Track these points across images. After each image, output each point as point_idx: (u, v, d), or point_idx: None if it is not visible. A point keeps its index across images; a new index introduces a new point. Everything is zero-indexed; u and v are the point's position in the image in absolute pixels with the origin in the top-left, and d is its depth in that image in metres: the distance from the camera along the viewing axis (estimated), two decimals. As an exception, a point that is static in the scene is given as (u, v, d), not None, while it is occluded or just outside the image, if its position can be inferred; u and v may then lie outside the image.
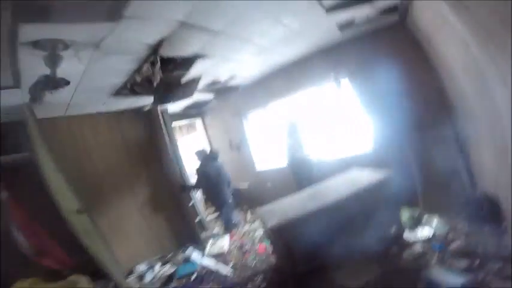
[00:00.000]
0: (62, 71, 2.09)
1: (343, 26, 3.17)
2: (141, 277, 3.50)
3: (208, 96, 4.91)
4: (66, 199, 2.98)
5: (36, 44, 1.75)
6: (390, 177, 2.62)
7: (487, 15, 1.39)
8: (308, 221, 2.26)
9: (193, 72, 3.23)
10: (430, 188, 3.05)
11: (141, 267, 3.69)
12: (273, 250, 3.03)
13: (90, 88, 2.89)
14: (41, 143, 2.78)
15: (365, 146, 3.92)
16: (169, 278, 3.36)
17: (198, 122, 6.30)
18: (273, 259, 3.13)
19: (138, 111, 4.38)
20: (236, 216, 4.63)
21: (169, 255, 4.00)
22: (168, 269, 3.51)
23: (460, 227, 2.52)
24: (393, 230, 2.68)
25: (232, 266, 3.31)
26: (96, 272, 3.03)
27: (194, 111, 5.88)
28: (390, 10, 2.94)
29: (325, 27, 3.12)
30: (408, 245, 2.49)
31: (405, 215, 2.84)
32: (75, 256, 3.17)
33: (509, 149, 1.78)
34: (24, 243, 2.91)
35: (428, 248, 2.37)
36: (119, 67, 2.55)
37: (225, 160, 5.97)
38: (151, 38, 2.13)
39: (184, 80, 3.30)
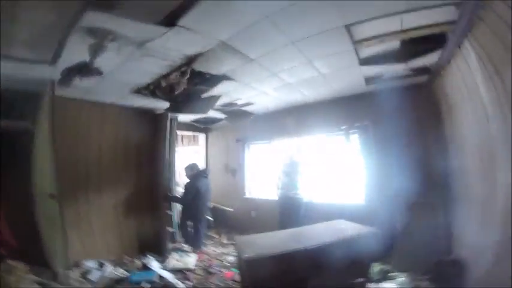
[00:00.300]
0: (101, 61, 2.22)
1: (370, 79, 3.35)
2: (85, 273, 3.24)
3: (219, 115, 5.05)
4: (45, 180, 2.93)
5: (89, 31, 1.88)
6: (373, 234, 2.66)
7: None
8: (284, 261, 2.22)
9: (215, 90, 3.40)
10: (407, 248, 3.14)
11: (90, 264, 3.44)
12: (241, 281, 2.94)
13: (115, 80, 3.00)
14: (49, 119, 2.79)
15: (357, 199, 4.04)
16: (117, 281, 3.13)
17: (201, 136, 6.38)
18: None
19: (148, 112, 4.46)
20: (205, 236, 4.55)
21: (128, 259, 3.80)
22: (120, 273, 3.28)
23: (424, 286, 2.59)
24: (359, 280, 2.68)
25: (193, 285, 3.18)
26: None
27: (201, 125, 5.99)
28: (422, 70, 3.08)
29: (352, 77, 3.31)
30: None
31: (376, 268, 2.93)
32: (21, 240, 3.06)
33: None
34: None
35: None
36: (151, 69, 2.69)
37: (218, 181, 6.02)
38: (191, 50, 2.29)
39: (204, 95, 3.45)
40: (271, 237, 2.74)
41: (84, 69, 1.97)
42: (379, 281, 2.84)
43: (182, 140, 7.15)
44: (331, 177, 4.45)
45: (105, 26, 1.85)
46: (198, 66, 2.61)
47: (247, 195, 5.46)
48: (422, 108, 3.47)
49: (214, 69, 2.76)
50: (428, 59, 2.80)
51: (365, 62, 2.81)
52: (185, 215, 4.25)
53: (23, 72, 2.51)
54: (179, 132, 5.95)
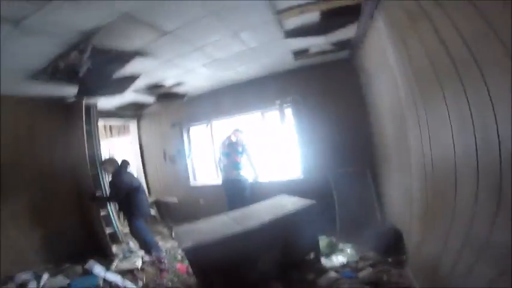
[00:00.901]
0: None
1: (298, 54, 3.41)
2: (22, 286, 2.90)
3: (148, 98, 4.59)
4: None
5: None
6: (313, 206, 2.79)
7: (425, 66, 1.55)
8: (226, 244, 2.20)
9: (130, 69, 3.00)
10: (347, 219, 3.40)
11: (24, 276, 3.05)
12: (192, 271, 2.85)
13: (5, 68, 2.40)
14: None
15: (296, 173, 4.20)
16: None
17: (132, 124, 5.80)
18: (192, 280, 2.92)
19: (58, 102, 3.79)
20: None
21: (65, 266, 3.41)
22: (60, 281, 2.98)
23: (369, 257, 2.77)
24: (312, 256, 2.83)
25: (144, 284, 3.00)
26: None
27: (130, 112, 5.42)
28: (343, 45, 3.24)
29: (281, 52, 3.32)
30: (324, 271, 2.62)
31: (323, 242, 3.04)
32: None
33: (414, 189, 2.09)
34: None
35: (341, 275, 2.54)
36: (41, 49, 2.22)
37: (157, 171, 5.65)
38: (85, 24, 1.92)
39: (117, 75, 3.02)
40: (212, 223, 2.68)
41: None
42: (329, 255, 2.92)
43: (111, 130, 6.44)
44: (271, 154, 4.51)
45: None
46: (99, 43, 2.22)
47: (192, 182, 5.21)
48: (346, 81, 3.72)
49: (121, 45, 2.39)
50: (348, 33, 2.91)
51: (289, 34, 2.80)
52: (126, 216, 3.72)
53: None
54: (106, 121, 5.31)
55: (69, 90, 3.40)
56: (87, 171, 3.76)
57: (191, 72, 3.57)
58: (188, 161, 5.19)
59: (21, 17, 1.65)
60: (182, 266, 3.26)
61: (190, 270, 3.07)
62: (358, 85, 3.62)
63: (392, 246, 2.62)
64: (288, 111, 4.16)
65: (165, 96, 4.57)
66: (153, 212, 5.16)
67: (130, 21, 2.02)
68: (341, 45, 3.27)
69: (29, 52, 2.23)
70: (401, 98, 2.09)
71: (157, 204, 5.48)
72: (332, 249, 3.00)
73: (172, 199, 5.32)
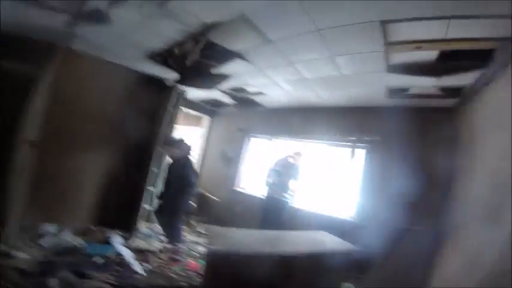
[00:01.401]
0: (118, 14, 2.09)
1: (394, 92, 3.12)
2: (38, 236, 3.08)
3: (228, 99, 4.92)
4: (30, 127, 2.85)
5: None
6: (352, 252, 2.55)
7: None
8: (252, 261, 2.10)
9: (226, 68, 3.26)
10: (385, 273, 3.06)
11: (48, 228, 3.26)
12: (204, 273, 2.82)
13: (132, 40, 2.90)
14: (55, 67, 2.70)
15: (347, 214, 3.90)
16: (70, 250, 2.94)
17: (206, 118, 6.26)
18: (198, 281, 2.88)
19: (157, 82, 4.33)
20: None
21: (93, 228, 3.68)
22: (77, 242, 3.12)
23: None
24: None
25: (152, 268, 3.01)
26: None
27: (209, 107, 5.87)
28: (452, 91, 2.81)
29: (374, 85, 3.09)
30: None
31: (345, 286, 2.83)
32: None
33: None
34: None
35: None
36: (167, 33, 2.59)
37: (212, 167, 5.92)
38: (210, 17, 2.19)
39: (213, 71, 3.31)
40: (246, 235, 2.62)
41: (95, 16, 1.84)
42: None
43: (187, 118, 7.04)
44: (324, 186, 4.30)
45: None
46: (214, 37, 2.50)
47: (236, 187, 5.32)
48: (441, 133, 3.24)
49: (229, 43, 2.66)
50: (464, 79, 2.53)
51: (393, 69, 2.58)
52: (171, 205, 3.46)
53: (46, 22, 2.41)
54: (186, 110, 5.82)
55: (170, 74, 3.88)
56: (152, 149, 4.13)
57: (275, 85, 3.71)
58: (240, 167, 5.34)
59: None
60: (193, 263, 3.25)
61: (199, 270, 3.07)
62: (455, 140, 3.08)
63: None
64: (360, 151, 3.93)
65: (243, 101, 4.83)
66: (193, 204, 5.39)
67: (244, 23, 2.22)
68: (451, 91, 2.85)
69: (159, 34, 2.63)
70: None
71: (201, 197, 5.69)
72: None
73: (215, 198, 5.49)
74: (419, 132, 3.31)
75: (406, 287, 2.77)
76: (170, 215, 3.45)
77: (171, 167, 3.55)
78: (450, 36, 1.92)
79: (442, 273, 2.65)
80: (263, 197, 4.18)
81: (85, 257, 2.83)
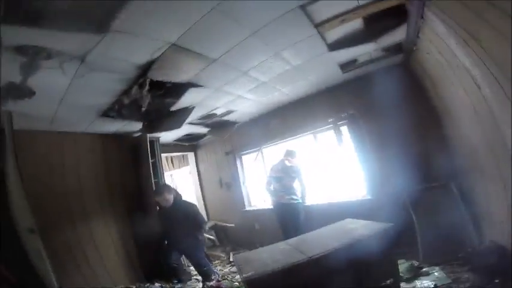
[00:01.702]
0: (45, 82, 2.05)
1: (345, 66, 3.24)
2: None
3: (202, 129, 4.86)
4: (23, 216, 2.73)
5: (19, 49, 1.72)
6: (387, 229, 2.39)
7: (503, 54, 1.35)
8: (289, 274, 1.98)
9: (186, 101, 3.22)
10: (432, 240, 2.85)
11: None
12: None
13: (75, 105, 2.82)
14: (12, 154, 2.61)
15: (360, 193, 3.80)
16: None
17: (190, 155, 6.17)
18: None
19: (126, 137, 4.28)
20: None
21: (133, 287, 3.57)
22: None
23: (465, 279, 2.26)
24: (389, 282, 2.43)
25: None
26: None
27: (187, 144, 5.81)
28: (394, 49, 2.98)
29: (327, 66, 3.18)
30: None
31: (403, 267, 2.67)
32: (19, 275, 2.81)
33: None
34: None
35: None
36: (106, 86, 2.52)
37: (214, 197, 5.79)
38: (140, 58, 2.13)
39: (174, 108, 3.26)
40: (272, 251, 2.48)
41: (14, 90, 1.77)
42: (411, 279, 2.56)
43: (172, 162, 6.96)
44: (327, 175, 4.20)
45: (33, 43, 1.68)
46: (155, 76, 2.43)
47: (247, 207, 5.20)
48: (405, 87, 3.28)
49: (174, 77, 2.58)
50: (397, 36, 2.69)
51: (333, 47, 2.68)
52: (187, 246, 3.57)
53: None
54: (167, 154, 5.76)
55: (135, 126, 3.82)
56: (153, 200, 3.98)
57: (239, 98, 3.66)
58: (243, 187, 5.22)
59: (85, 53, 1.88)
60: None
61: None
62: (420, 90, 3.23)
63: (498, 265, 2.08)
64: (344, 129, 3.86)
65: (217, 125, 4.77)
66: (211, 236, 5.23)
67: (179, 52, 2.17)
68: (392, 50, 3.01)
69: (97, 89, 2.55)
70: (486, 96, 1.73)
71: (216, 228, 5.55)
72: (414, 274, 2.62)
73: (230, 224, 5.37)
74: (384, 92, 3.29)
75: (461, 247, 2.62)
76: (194, 254, 3.56)
77: (167, 212, 3.53)
78: (362, 3, 2.05)
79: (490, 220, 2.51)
80: (272, 207, 4.05)
81: None
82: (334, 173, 4.12)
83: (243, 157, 5.32)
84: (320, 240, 2.47)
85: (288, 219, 3.71)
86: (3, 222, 2.89)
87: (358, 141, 3.68)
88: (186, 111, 3.43)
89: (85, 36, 1.71)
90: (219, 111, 4.09)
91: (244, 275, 1.99)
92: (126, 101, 2.83)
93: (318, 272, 2.05)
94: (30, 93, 1.88)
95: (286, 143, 4.56)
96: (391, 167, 3.30)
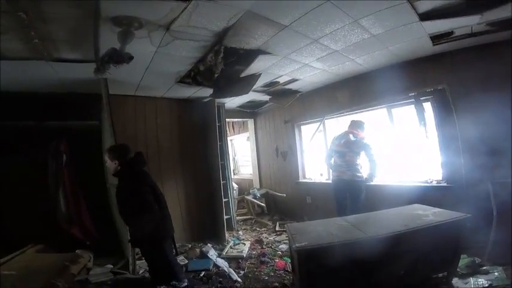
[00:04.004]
0: (135, 51, 2.21)
1: (438, 38, 2.72)
2: None
3: (263, 97, 4.82)
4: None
5: (114, 20, 1.85)
6: (463, 220, 2.14)
7: None
8: (345, 250, 1.93)
9: (253, 68, 3.17)
10: (505, 239, 2.45)
11: None
12: (293, 271, 2.72)
13: (158, 71, 3.05)
14: (108, 115, 2.98)
15: (435, 178, 3.31)
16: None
17: (250, 122, 6.28)
18: (289, 279, 2.83)
19: (197, 102, 4.52)
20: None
21: (188, 246, 3.95)
22: (181, 260, 3.41)
23: None
24: (442, 275, 2.32)
25: (245, 273, 3.11)
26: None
27: (248, 110, 5.88)
28: (503, 24, 2.37)
29: (414, 37, 2.71)
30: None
31: (462, 262, 2.44)
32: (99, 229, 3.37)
33: None
34: (62, 208, 3.16)
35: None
36: (186, 54, 2.61)
37: (269, 165, 5.88)
38: (218, 25, 2.10)
39: (243, 75, 3.25)
40: (328, 225, 2.43)
41: (115, 56, 1.94)
42: (467, 275, 2.34)
43: (233, 128, 7.21)
44: (398, 154, 3.72)
45: (126, 13, 1.78)
46: (229, 42, 2.42)
47: (301, 179, 5.11)
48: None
49: (246, 43, 2.52)
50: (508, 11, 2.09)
51: (426, 16, 2.23)
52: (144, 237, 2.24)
53: (77, 74, 2.71)
54: (229, 120, 5.95)
55: (205, 92, 3.98)
56: (218, 163, 4.30)
57: (305, 67, 3.43)
58: (299, 158, 5.11)
59: (170, 21, 1.93)
60: (281, 262, 3.24)
61: (288, 267, 3.03)
62: None
63: None
64: (427, 105, 3.32)
65: (279, 93, 4.66)
66: (261, 203, 5.43)
67: (252, 19, 2.07)
68: (500, 25, 2.38)
69: (178, 57, 2.67)
70: None
71: (266, 196, 5.72)
72: (472, 270, 2.39)
73: (281, 194, 5.40)
74: (490, 69, 2.74)
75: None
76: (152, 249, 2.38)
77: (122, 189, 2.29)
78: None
79: None
80: (331, 182, 3.73)
81: (190, 274, 3.08)
82: (407, 153, 3.65)
83: (302, 127, 5.15)
84: (383, 222, 2.33)
85: (347, 197, 3.45)
86: (99, 176, 3.43)
87: (443, 120, 3.15)
88: (254, 78, 3.40)
89: (172, 4, 1.73)
90: (282, 79, 3.95)
91: (297, 245, 2.00)
92: (201, 68, 2.93)
93: (375, 253, 1.93)
94: (129, 58, 2.03)
95: (353, 115, 4.14)
96: (480, 152, 2.79)
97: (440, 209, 2.41)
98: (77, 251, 2.54)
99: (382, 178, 3.73)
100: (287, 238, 3.97)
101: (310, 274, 1.95)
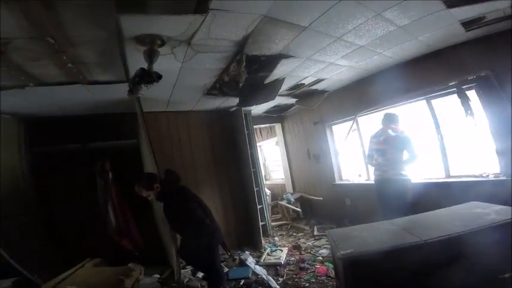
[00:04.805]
0: (162, 68, 2.27)
1: (469, 23, 2.47)
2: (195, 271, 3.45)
3: (289, 100, 4.72)
4: None
5: (138, 39, 1.91)
6: None
7: None
8: (396, 257, 1.74)
9: (276, 73, 3.11)
10: None
11: None
12: (337, 278, 2.53)
13: (185, 86, 3.12)
14: (144, 131, 3.10)
15: (492, 172, 2.92)
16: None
17: (277, 126, 6.19)
18: (332, 286, 2.68)
19: (225, 112, 4.57)
20: None
21: (227, 255, 3.90)
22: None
23: None
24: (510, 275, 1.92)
25: (284, 280, 3.00)
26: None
27: (275, 115, 5.82)
28: None
29: (443, 25, 2.48)
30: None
31: None
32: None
33: None
34: (112, 221, 3.33)
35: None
36: (209, 66, 2.64)
37: (301, 169, 5.72)
38: (237, 34, 2.09)
39: (267, 81, 3.21)
40: (374, 230, 2.23)
41: (144, 76, 2.00)
42: None
43: (261, 134, 7.18)
44: (444, 148, 3.36)
45: (147, 31, 1.82)
46: (250, 50, 2.39)
47: (337, 181, 4.84)
48: None
49: (267, 49, 2.47)
50: None
51: (453, 3, 2.04)
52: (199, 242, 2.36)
53: (111, 95, 2.88)
54: (256, 126, 5.94)
55: (232, 101, 4.01)
56: (250, 170, 4.28)
57: (331, 66, 3.28)
58: (333, 159, 4.88)
59: (190, 35, 1.95)
60: (322, 268, 3.07)
61: (331, 273, 2.87)
62: None
63: None
64: (471, 93, 2.96)
65: (305, 95, 4.53)
66: (297, 208, 5.27)
67: (271, 23, 2.02)
68: None
69: (202, 70, 2.70)
70: None
71: (301, 200, 5.54)
72: None
73: (317, 198, 5.19)
74: None
75: None
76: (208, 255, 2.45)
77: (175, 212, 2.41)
78: None
79: None
80: (374, 183, 3.46)
81: (231, 282, 3.07)
82: (454, 146, 3.28)
83: (333, 127, 4.93)
84: (437, 224, 2.08)
85: (391, 198, 3.12)
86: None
87: (493, 107, 2.79)
88: (278, 83, 3.34)
89: (189, 18, 1.74)
90: (307, 81, 3.82)
91: (342, 252, 1.84)
92: (225, 78, 2.94)
93: (431, 259, 1.73)
94: (158, 77, 2.08)
95: (388, 110, 3.82)
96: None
97: (503, 206, 2.09)
98: (129, 265, 2.65)
99: (428, 174, 3.39)
100: (327, 243, 3.82)
101: (357, 284, 1.79)
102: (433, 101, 3.41)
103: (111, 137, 3.55)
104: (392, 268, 1.70)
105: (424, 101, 3.46)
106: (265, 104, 4.39)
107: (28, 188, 3.12)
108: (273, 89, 3.35)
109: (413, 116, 3.69)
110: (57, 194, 3.36)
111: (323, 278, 2.88)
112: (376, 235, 2.05)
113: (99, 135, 3.50)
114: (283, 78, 3.37)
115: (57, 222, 3.32)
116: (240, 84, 3.15)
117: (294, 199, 5.38)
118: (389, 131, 3.26)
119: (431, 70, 3.21)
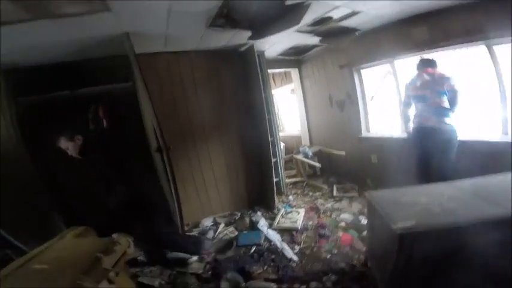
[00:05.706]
0: None
1: None
2: (203, 233, 3.24)
3: (311, 39, 3.85)
4: (152, 136, 2.85)
5: None
6: None
7: None
8: (477, 233, 1.25)
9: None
10: None
11: (206, 222, 3.47)
12: (369, 250, 2.14)
13: (183, 14, 2.37)
14: (139, 76, 2.60)
15: None
16: (229, 243, 2.91)
17: (294, 72, 5.38)
18: (359, 260, 2.28)
19: (234, 51, 3.83)
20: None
21: (237, 215, 3.62)
22: (231, 232, 3.15)
23: None
24: None
25: (301, 249, 2.64)
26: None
27: (292, 57, 4.96)
28: None
29: None
30: None
31: None
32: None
33: None
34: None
35: None
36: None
37: (321, 118, 5.07)
38: None
39: (289, 2, 2.41)
40: (434, 195, 1.69)
41: None
42: None
43: (274, 80, 6.43)
44: (504, 102, 2.63)
45: None
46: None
47: (364, 133, 4.17)
48: None
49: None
50: None
51: None
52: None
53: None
54: (270, 71, 5.17)
55: (243, 36, 3.26)
56: (264, 118, 3.72)
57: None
58: (360, 108, 4.13)
59: None
60: (346, 236, 2.67)
61: (355, 243, 2.49)
62: None
63: None
64: None
65: (332, 33, 3.64)
66: (315, 163, 4.79)
67: None
68: None
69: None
70: None
71: (319, 155, 5.02)
72: None
73: (339, 152, 4.56)
74: None
75: None
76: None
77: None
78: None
79: None
80: (411, 133, 2.91)
81: (241, 249, 2.76)
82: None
83: (363, 71, 4.11)
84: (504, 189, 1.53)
85: (434, 149, 2.59)
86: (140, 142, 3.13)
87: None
88: (302, 7, 2.53)
89: None
90: (337, 14, 2.94)
91: (399, 225, 1.38)
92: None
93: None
94: None
95: (437, 54, 3.01)
96: None
97: None
98: (113, 236, 2.19)
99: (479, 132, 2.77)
100: (349, 206, 3.40)
101: (412, 268, 1.37)
102: (496, 47, 2.60)
103: (103, 82, 3.00)
104: (468, 246, 1.25)
105: (484, 45, 2.65)
106: (280, 44, 3.68)
107: (18, 139, 2.74)
108: (296, 12, 2.57)
109: (468, 63, 2.89)
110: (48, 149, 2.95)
111: (347, 249, 2.50)
112: (440, 202, 1.55)
113: (90, 81, 2.96)
114: (309, 3, 2.54)
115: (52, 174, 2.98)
116: (253, 8, 2.38)
117: (312, 153, 4.85)
118: (425, 75, 2.71)
119: (496, 12, 2.36)
